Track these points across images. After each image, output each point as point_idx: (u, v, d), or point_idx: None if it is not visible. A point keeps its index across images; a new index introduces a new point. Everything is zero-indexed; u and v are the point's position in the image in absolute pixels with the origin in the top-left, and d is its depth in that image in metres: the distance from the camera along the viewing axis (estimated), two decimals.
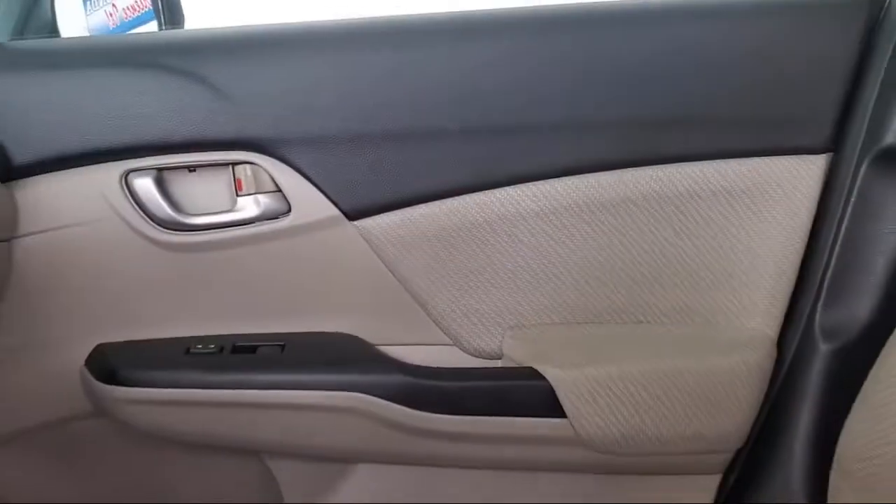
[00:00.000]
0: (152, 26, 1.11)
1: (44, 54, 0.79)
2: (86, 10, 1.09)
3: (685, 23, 0.76)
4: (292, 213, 0.75)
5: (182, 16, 1.00)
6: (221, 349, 0.77)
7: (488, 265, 0.78)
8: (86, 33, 1.08)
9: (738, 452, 0.80)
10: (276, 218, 0.76)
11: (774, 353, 0.78)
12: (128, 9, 1.14)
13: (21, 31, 0.88)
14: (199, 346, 0.76)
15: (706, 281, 0.78)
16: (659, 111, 0.75)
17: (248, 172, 0.75)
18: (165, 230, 0.75)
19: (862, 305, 0.75)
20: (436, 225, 0.76)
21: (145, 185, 0.74)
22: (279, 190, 0.75)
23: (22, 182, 0.74)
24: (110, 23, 1.17)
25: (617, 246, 0.77)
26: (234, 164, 0.75)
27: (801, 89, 0.75)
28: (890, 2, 0.77)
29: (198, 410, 0.75)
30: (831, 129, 0.76)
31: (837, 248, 0.76)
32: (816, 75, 0.75)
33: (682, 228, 0.77)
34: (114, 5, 1.15)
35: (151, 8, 1.04)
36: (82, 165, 0.74)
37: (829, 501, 0.65)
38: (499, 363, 0.79)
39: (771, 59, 0.75)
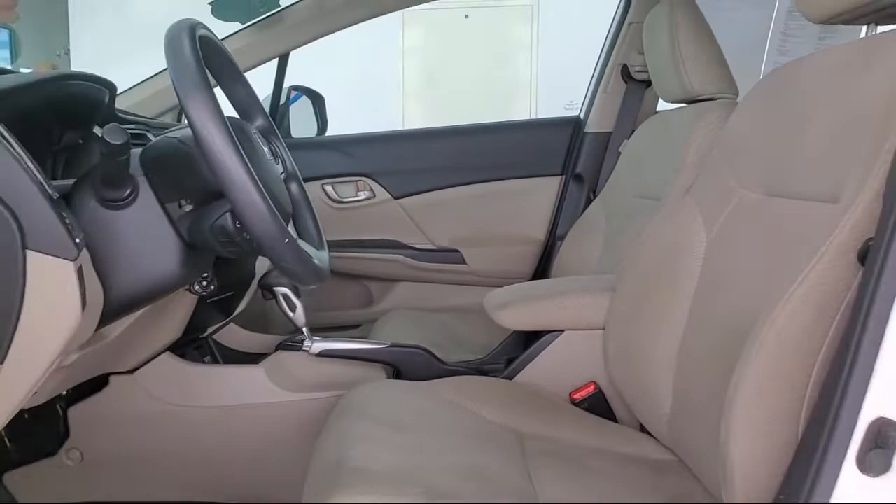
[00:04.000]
0: (304, 100, 2.57)
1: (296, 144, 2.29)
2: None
3: (499, 131, 2.23)
4: (375, 197, 2.22)
5: (326, 123, 2.45)
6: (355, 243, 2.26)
7: (434, 214, 2.24)
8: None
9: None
10: (369, 199, 2.23)
11: (542, 246, 2.22)
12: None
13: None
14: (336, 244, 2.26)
15: (512, 226, 2.23)
16: (486, 162, 2.20)
17: (361, 184, 2.23)
18: (334, 202, 2.24)
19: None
20: (420, 202, 2.23)
21: (329, 188, 2.23)
22: (371, 189, 2.22)
23: None
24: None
25: (473, 211, 2.22)
26: (357, 181, 2.23)
27: (548, 152, 2.20)
28: (581, 121, 2.21)
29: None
30: (561, 167, 2.20)
31: (563, 211, 2.21)
32: (551, 148, 2.20)
33: (506, 206, 2.22)
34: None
35: (314, 112, 2.51)
36: (315, 181, 2.23)
37: None
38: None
39: (534, 143, 2.20)
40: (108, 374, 1.32)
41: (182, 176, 0.97)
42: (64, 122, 1.09)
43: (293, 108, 2.36)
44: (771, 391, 0.82)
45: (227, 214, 0.95)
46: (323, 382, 1.39)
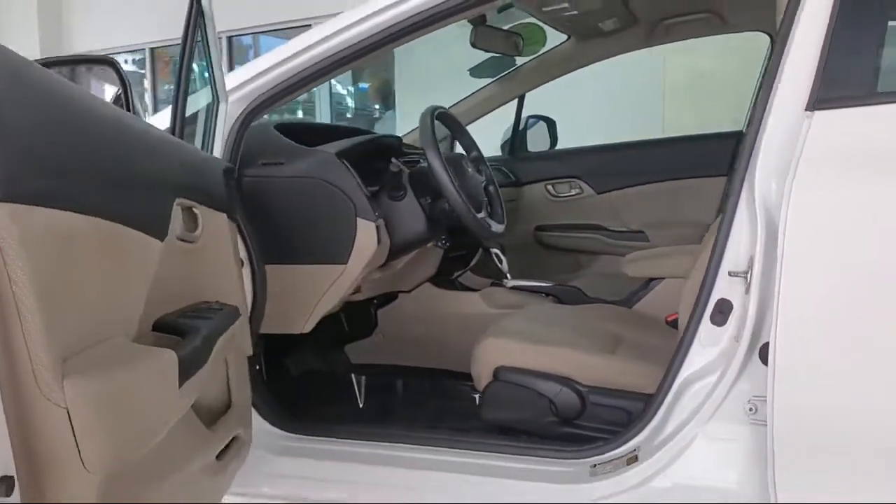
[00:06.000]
0: (541, 124, 3.49)
1: (529, 157, 3.25)
2: None
3: (680, 142, 2.97)
4: (583, 193, 3.09)
5: (557, 140, 3.36)
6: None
7: (627, 205, 3.04)
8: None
9: None
10: (579, 194, 3.11)
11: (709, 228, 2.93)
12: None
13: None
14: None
15: (686, 213, 2.95)
16: (668, 165, 2.95)
17: (573, 183, 3.11)
18: (554, 197, 3.15)
19: None
20: (616, 196, 3.05)
21: (550, 187, 3.14)
22: (581, 187, 3.09)
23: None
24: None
25: (656, 202, 2.97)
26: (570, 181, 3.11)
27: (717, 157, 2.89)
28: (743, 134, 2.88)
29: None
30: (727, 169, 2.88)
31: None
32: (719, 154, 2.89)
33: (682, 198, 2.95)
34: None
35: (548, 133, 3.42)
36: (541, 182, 3.17)
37: None
38: None
39: (708, 151, 2.91)
40: (398, 292, 2.40)
41: (426, 185, 1.96)
42: (377, 156, 2.14)
43: (531, 131, 3.31)
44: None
45: (445, 203, 1.94)
46: (512, 303, 2.33)
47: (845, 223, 1.29)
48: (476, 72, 3.05)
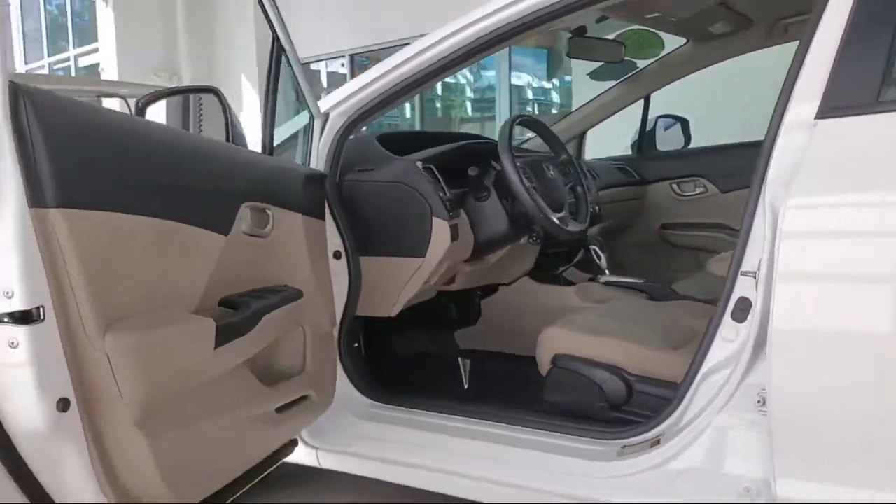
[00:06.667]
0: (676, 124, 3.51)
1: (657, 156, 3.31)
2: None
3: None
4: (707, 192, 3.11)
5: (690, 138, 3.37)
6: None
7: None
8: None
9: None
10: (703, 193, 3.12)
11: None
12: None
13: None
14: None
15: None
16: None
17: (697, 182, 3.13)
18: (678, 195, 3.19)
19: None
20: (740, 195, 3.03)
21: (675, 186, 3.19)
22: (705, 186, 3.11)
23: None
24: None
25: None
26: (695, 180, 3.14)
27: None
28: None
29: None
30: None
31: None
32: None
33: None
34: None
35: (682, 131, 3.44)
36: (665, 181, 3.22)
37: None
38: None
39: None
40: (499, 284, 2.61)
41: (508, 187, 2.15)
42: (473, 161, 2.36)
43: (663, 131, 3.36)
44: None
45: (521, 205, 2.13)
46: (603, 298, 2.45)
47: (837, 227, 1.35)
48: (595, 75, 3.17)
